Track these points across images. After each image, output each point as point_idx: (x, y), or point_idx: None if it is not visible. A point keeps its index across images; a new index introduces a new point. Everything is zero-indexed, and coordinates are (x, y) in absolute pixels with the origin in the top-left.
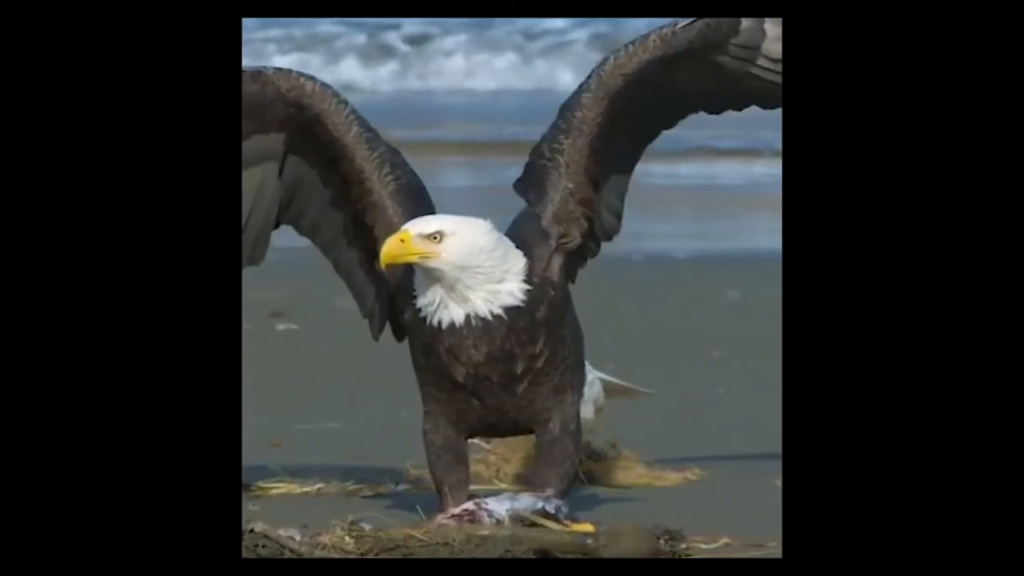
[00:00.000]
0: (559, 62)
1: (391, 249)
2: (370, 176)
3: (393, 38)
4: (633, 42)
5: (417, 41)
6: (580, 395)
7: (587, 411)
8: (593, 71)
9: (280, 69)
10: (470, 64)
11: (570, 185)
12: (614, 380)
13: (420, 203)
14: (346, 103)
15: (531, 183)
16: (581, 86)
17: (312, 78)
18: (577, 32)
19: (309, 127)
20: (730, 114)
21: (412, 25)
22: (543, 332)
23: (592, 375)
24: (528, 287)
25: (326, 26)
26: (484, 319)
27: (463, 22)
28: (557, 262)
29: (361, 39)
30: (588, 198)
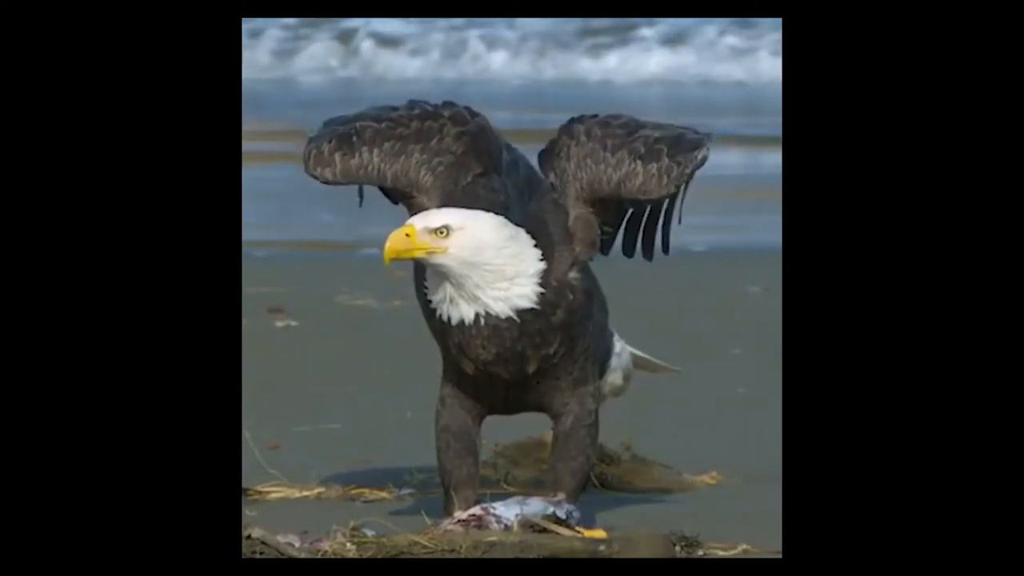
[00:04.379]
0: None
1: (395, 243)
2: (409, 188)
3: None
4: (662, 169)
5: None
6: (604, 375)
7: (616, 378)
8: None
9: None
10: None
11: (591, 209)
12: (643, 355)
13: (458, 184)
14: (372, 157)
15: (553, 167)
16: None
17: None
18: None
19: None
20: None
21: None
22: (559, 334)
23: (620, 345)
24: (542, 291)
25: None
26: (495, 320)
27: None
28: (579, 264)
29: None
30: (604, 216)
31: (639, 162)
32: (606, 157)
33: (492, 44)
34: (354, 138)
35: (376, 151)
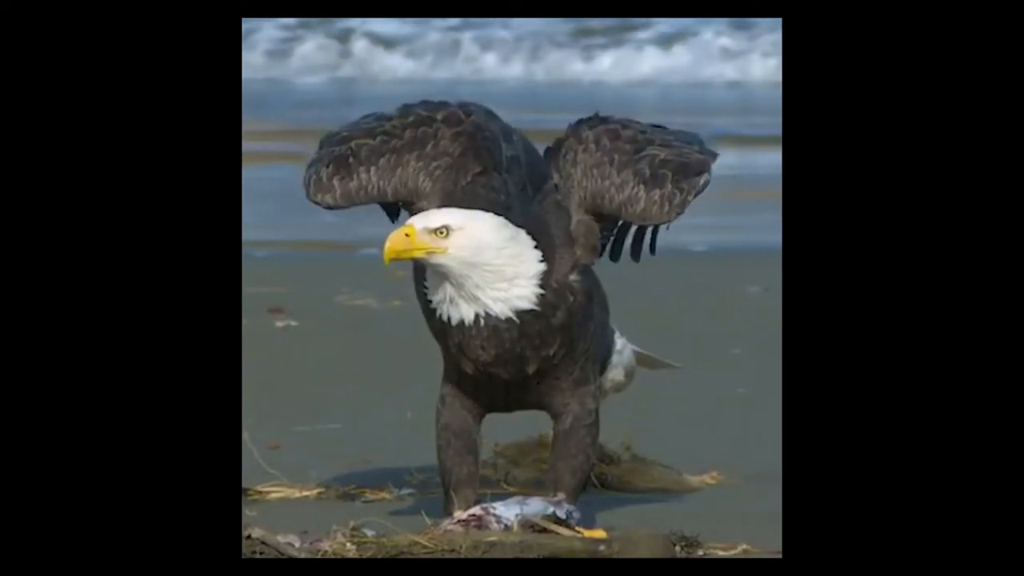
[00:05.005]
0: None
1: (395, 244)
2: (410, 198)
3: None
4: (664, 196)
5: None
6: (605, 372)
7: (617, 374)
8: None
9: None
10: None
11: (593, 217)
12: (644, 351)
13: (457, 185)
14: (370, 176)
15: (559, 169)
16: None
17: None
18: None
19: None
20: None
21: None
22: (559, 335)
23: (622, 342)
24: (542, 292)
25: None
26: (494, 321)
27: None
28: (580, 268)
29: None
30: (604, 223)
31: (642, 187)
32: (611, 174)
33: (486, 45)
34: (350, 159)
35: (373, 169)
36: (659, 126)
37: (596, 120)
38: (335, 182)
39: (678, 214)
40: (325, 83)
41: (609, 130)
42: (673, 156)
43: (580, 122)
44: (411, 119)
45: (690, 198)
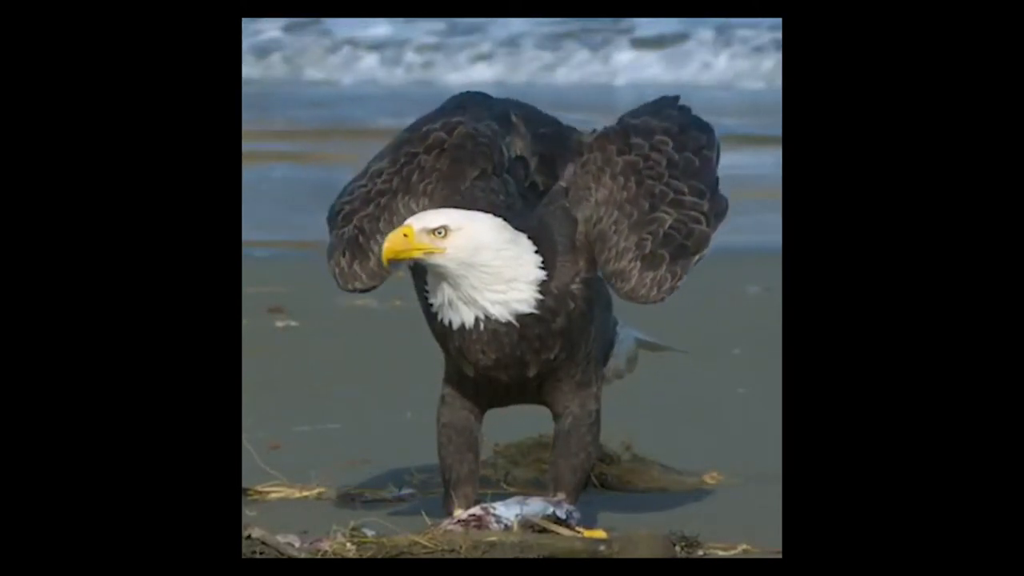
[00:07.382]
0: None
1: (394, 244)
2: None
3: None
4: (655, 279)
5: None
6: (606, 365)
7: (619, 363)
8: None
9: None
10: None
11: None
12: (649, 339)
13: (456, 191)
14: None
15: (576, 175)
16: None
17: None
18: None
19: None
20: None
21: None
22: (560, 339)
23: (624, 331)
24: (541, 297)
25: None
26: (494, 324)
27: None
28: (581, 278)
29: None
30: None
31: (638, 264)
32: (623, 229)
33: (470, 47)
34: (360, 238)
35: (379, 237)
36: (681, 134)
37: (623, 137)
38: (356, 268)
39: (664, 298)
40: (319, 84)
41: (632, 164)
42: (678, 227)
43: (608, 133)
44: (399, 163)
45: (679, 283)
